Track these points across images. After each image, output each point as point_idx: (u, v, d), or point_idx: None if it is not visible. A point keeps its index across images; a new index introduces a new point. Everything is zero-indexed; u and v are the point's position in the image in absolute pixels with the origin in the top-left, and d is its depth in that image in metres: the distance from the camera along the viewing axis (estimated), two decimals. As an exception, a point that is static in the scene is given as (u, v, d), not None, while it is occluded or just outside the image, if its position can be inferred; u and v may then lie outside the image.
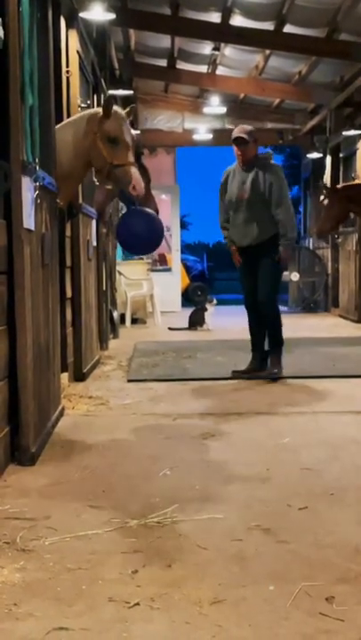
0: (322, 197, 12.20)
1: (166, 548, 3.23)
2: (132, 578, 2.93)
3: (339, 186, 11.87)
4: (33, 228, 4.76)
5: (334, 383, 7.30)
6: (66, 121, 6.66)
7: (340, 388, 7.04)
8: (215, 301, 13.19)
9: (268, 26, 12.65)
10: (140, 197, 6.39)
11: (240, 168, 7.68)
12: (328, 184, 12.22)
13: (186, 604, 2.72)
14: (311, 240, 18.64)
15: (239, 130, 7.67)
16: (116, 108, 6.26)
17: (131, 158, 6.21)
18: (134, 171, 6.17)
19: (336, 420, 5.74)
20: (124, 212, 6.95)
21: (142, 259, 16.25)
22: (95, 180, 8.79)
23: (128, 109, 6.52)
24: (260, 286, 7.66)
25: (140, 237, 6.71)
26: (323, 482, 4.16)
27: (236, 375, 7.70)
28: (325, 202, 11.48)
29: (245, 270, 7.79)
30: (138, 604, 2.71)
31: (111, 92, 11.82)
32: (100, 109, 6.37)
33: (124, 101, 15.64)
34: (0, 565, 3.04)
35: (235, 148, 7.63)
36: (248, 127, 7.79)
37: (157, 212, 8.56)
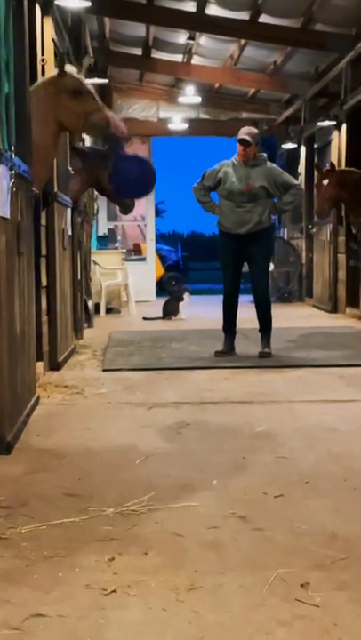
0: (316, 179, 12.08)
1: (143, 536, 3.24)
2: (108, 565, 2.94)
3: (337, 168, 11.77)
4: (8, 216, 4.74)
5: (309, 373, 7.35)
6: None
7: (315, 378, 7.08)
8: (189, 291, 13.22)
9: (243, 15, 12.64)
10: (125, 137, 6.62)
11: (240, 164, 8.10)
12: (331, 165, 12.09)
13: (163, 590, 2.73)
14: (285, 230, 18.68)
15: (245, 132, 8.10)
16: (68, 66, 6.47)
17: (99, 103, 6.44)
18: (110, 113, 6.40)
19: (311, 409, 5.78)
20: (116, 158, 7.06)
21: (117, 248, 16.23)
22: (70, 168, 8.75)
23: (79, 65, 6.84)
24: (258, 272, 8.33)
25: (134, 182, 6.81)
26: (298, 470, 4.19)
27: (219, 354, 8.19)
28: (324, 182, 11.40)
29: (232, 258, 8.28)
30: (115, 591, 2.72)
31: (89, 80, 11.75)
32: (52, 74, 6.60)
33: (99, 90, 15.59)
34: (-23, 553, 3.04)
35: (239, 147, 8.05)
36: (254, 130, 8.31)
37: (133, 206, 8.63)
